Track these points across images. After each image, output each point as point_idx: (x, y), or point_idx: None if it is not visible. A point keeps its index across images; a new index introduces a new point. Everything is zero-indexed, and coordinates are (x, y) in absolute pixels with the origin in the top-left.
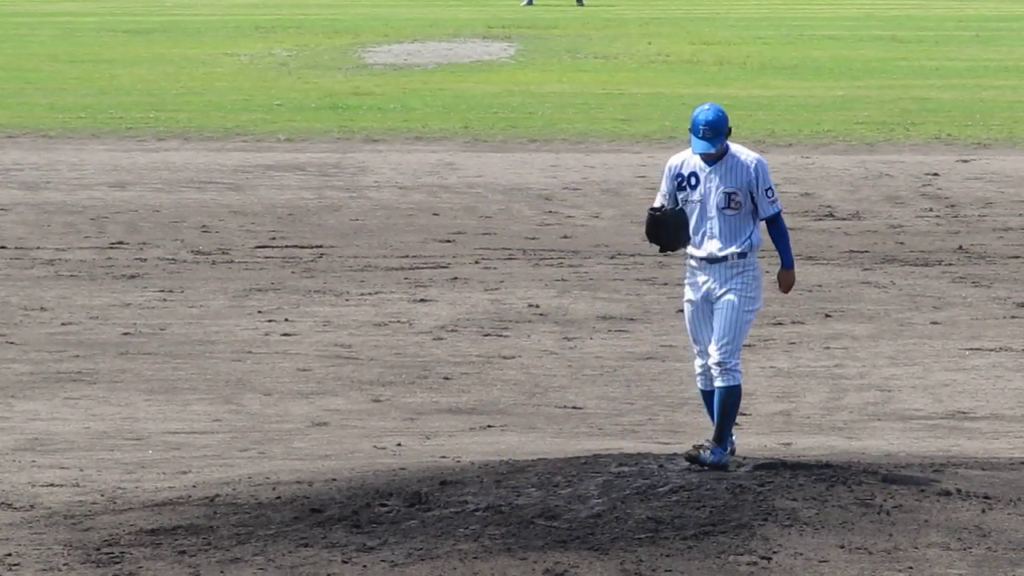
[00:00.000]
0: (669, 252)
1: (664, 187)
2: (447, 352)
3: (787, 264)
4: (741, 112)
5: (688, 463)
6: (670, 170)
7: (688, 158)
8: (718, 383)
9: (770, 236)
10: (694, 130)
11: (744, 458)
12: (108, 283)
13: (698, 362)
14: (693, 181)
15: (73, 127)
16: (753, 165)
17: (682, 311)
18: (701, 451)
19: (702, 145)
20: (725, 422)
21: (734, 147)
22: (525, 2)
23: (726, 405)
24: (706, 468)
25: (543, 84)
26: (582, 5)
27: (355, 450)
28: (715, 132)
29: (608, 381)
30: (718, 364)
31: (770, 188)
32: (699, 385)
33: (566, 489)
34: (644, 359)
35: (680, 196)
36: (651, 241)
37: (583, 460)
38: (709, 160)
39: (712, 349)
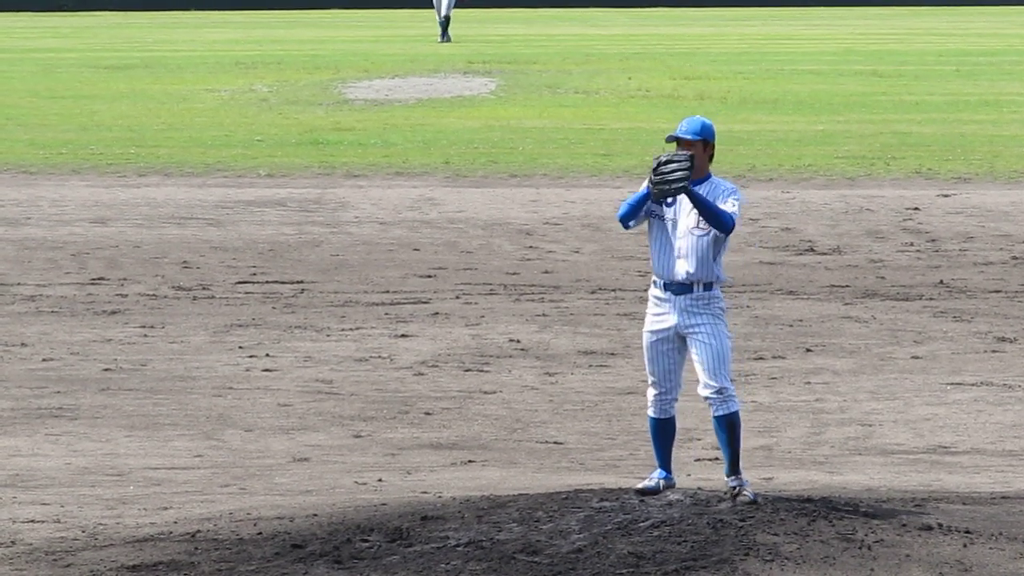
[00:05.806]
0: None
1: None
2: (428, 387)
3: (693, 193)
4: (721, 147)
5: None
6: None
7: None
8: (719, 412)
9: None
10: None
11: (725, 492)
12: (89, 319)
13: (652, 392)
14: (670, 200)
15: (54, 163)
16: (729, 189)
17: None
18: (741, 493)
19: (679, 129)
20: (737, 447)
21: (717, 178)
22: (442, 39)
23: (735, 432)
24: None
25: (524, 119)
26: (449, 41)
27: (336, 485)
28: (691, 124)
29: (589, 416)
30: (718, 393)
31: (736, 200)
32: (651, 413)
33: (547, 524)
34: (625, 394)
35: (654, 212)
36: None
37: (564, 495)
38: (691, 182)
39: (706, 381)
